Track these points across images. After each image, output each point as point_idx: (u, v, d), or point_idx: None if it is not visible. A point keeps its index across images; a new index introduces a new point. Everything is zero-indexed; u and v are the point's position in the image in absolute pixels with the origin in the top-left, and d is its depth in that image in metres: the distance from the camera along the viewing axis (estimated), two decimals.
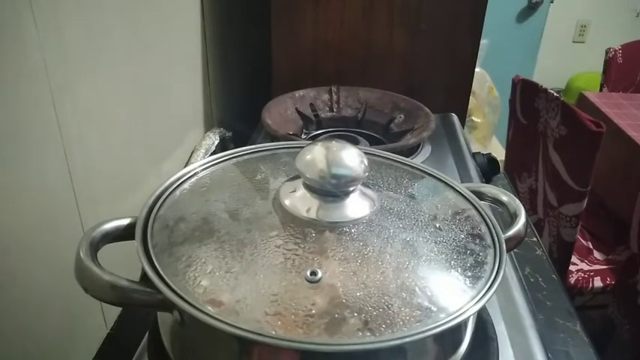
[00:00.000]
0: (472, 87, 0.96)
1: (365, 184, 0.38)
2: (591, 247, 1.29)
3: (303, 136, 0.77)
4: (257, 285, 0.30)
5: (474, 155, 0.76)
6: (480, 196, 0.42)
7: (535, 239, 0.73)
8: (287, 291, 0.29)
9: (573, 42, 2.94)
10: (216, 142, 0.82)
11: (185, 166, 0.47)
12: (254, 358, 0.31)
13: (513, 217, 0.39)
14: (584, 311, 1.20)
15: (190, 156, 0.78)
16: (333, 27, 0.88)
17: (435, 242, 0.35)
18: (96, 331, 0.54)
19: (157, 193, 0.37)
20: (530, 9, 2.17)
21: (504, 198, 0.42)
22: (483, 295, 0.31)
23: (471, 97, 0.99)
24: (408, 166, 0.45)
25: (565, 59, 2.89)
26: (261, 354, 0.30)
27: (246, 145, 0.45)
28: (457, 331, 0.34)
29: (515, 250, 0.40)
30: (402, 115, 0.78)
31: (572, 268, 1.20)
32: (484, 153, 0.79)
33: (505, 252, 0.35)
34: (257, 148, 0.45)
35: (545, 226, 1.21)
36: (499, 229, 0.37)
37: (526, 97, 1.26)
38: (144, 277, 0.30)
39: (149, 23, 0.63)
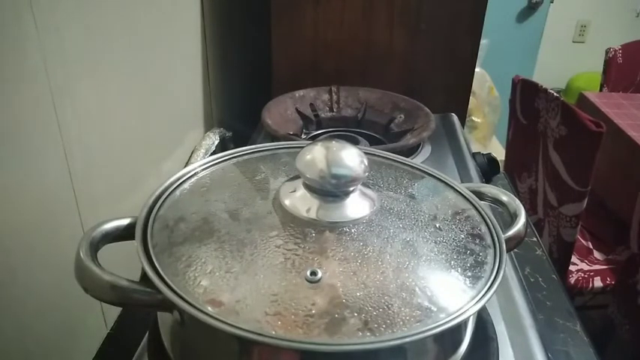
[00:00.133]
0: (472, 87, 0.96)
1: (365, 184, 0.38)
2: (591, 247, 1.29)
3: (303, 136, 0.77)
4: (257, 285, 0.30)
5: (474, 155, 0.76)
6: (480, 196, 0.42)
7: (535, 239, 0.73)
8: (287, 291, 0.29)
9: (573, 42, 2.95)
10: (216, 142, 0.82)
11: (185, 166, 0.47)
12: (254, 358, 0.31)
13: (513, 217, 0.39)
14: (584, 311, 1.20)
15: (190, 156, 0.78)
16: (333, 27, 0.88)
17: (435, 242, 0.35)
18: (96, 331, 0.54)
19: (157, 193, 0.37)
20: (530, 9, 2.17)
21: (504, 198, 0.42)
22: (483, 295, 0.31)
23: (471, 97, 0.99)
24: (408, 166, 0.45)
25: (565, 59, 2.89)
26: (261, 354, 0.30)
27: (246, 145, 0.45)
28: (457, 331, 0.34)
29: (515, 250, 0.40)
30: (402, 115, 0.78)
31: (572, 268, 1.20)
32: (484, 153, 0.79)
33: (505, 252, 0.35)
34: (257, 148, 0.45)
35: (545, 226, 1.21)
36: (499, 229, 0.37)
37: (526, 97, 1.26)
38: (144, 277, 0.30)
39: (149, 23, 0.63)
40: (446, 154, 0.74)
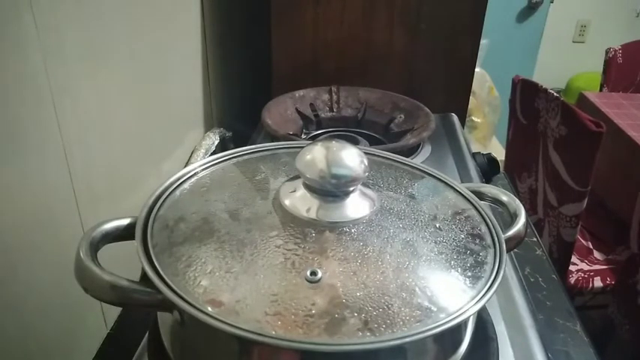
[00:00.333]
0: (472, 87, 0.96)
1: (365, 184, 0.38)
2: (591, 247, 1.29)
3: (303, 136, 0.77)
4: (257, 285, 0.30)
5: (474, 155, 0.76)
6: (480, 196, 0.42)
7: (535, 239, 0.73)
8: (287, 291, 0.29)
9: (573, 42, 2.95)
10: (216, 142, 0.82)
11: (185, 166, 0.47)
12: (254, 358, 0.31)
13: (513, 217, 0.39)
14: (584, 311, 1.20)
15: (190, 156, 0.78)
16: (333, 27, 0.88)
17: (435, 242, 0.35)
18: (96, 331, 0.54)
19: (157, 193, 0.37)
20: (530, 9, 2.17)
21: (504, 198, 0.42)
22: (483, 295, 0.31)
23: (471, 97, 0.99)
24: (408, 166, 0.45)
25: (565, 59, 2.89)
26: (261, 354, 0.30)
27: (246, 145, 0.45)
28: (457, 331, 0.34)
29: (515, 250, 0.40)
30: (402, 115, 0.78)
31: (572, 268, 1.20)
32: (484, 153, 0.79)
33: (505, 252, 0.35)
34: (257, 148, 0.45)
35: (545, 226, 1.21)
36: (499, 229, 0.37)
37: (526, 97, 1.26)
38: (144, 277, 0.30)
39: (149, 23, 0.63)
40: (446, 154, 0.74)
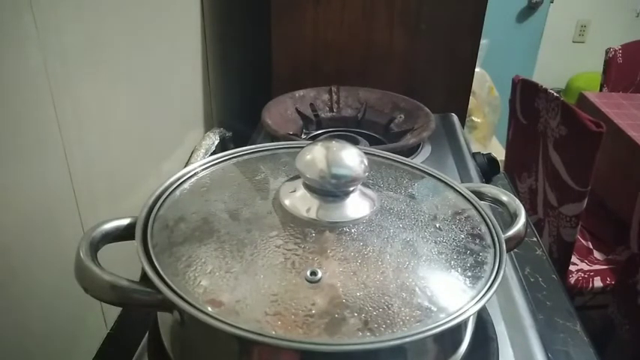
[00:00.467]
0: (472, 87, 0.96)
1: (365, 184, 0.38)
2: (591, 247, 1.29)
3: (303, 136, 0.77)
4: (257, 285, 0.30)
5: (474, 155, 0.76)
6: (480, 196, 0.42)
7: (535, 239, 0.73)
8: (287, 291, 0.29)
9: (573, 42, 2.95)
10: (216, 142, 0.82)
11: (185, 166, 0.47)
12: (254, 358, 0.31)
13: (513, 217, 0.39)
14: (584, 311, 1.20)
15: (190, 156, 0.78)
16: (333, 27, 0.88)
17: (435, 242, 0.35)
18: (96, 331, 0.54)
19: (157, 193, 0.37)
20: (530, 9, 2.17)
21: (504, 198, 0.42)
22: (483, 295, 0.31)
23: (471, 97, 0.99)
24: (408, 166, 0.45)
25: (565, 59, 2.89)
26: (261, 354, 0.30)
27: (246, 145, 0.45)
28: (457, 331, 0.34)
29: (515, 250, 0.40)
30: (402, 115, 0.78)
31: (572, 268, 1.20)
32: (484, 153, 0.79)
33: (505, 252, 0.35)
34: (257, 148, 0.45)
35: (545, 226, 1.21)
36: (499, 229, 0.37)
37: (526, 97, 1.26)
38: (144, 277, 0.30)
39: (149, 23, 0.63)
40: (446, 154, 0.74)
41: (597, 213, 1.31)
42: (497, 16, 1.73)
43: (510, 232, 0.38)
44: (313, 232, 0.34)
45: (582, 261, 1.24)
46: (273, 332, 0.27)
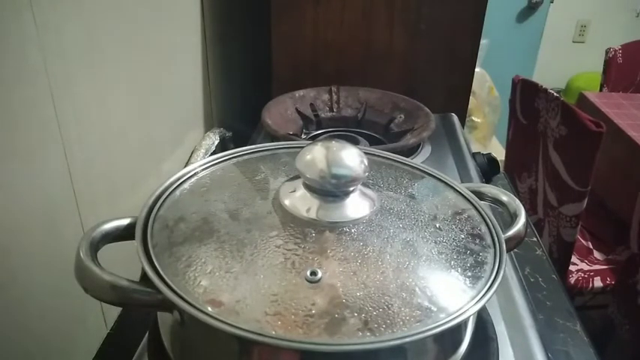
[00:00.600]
0: (472, 87, 0.96)
1: (365, 184, 0.38)
2: (591, 247, 1.29)
3: (303, 136, 0.77)
4: (257, 285, 0.30)
5: (474, 155, 0.76)
6: (480, 196, 0.42)
7: (535, 239, 0.73)
8: (287, 291, 0.29)
9: (573, 42, 2.95)
10: (216, 142, 0.82)
11: (185, 166, 0.47)
12: (254, 358, 0.31)
13: (513, 217, 0.39)
14: (584, 311, 1.20)
15: (190, 156, 0.78)
16: (333, 27, 0.88)
17: (435, 242, 0.35)
18: (96, 331, 0.54)
19: (157, 193, 0.37)
20: (530, 9, 2.17)
21: (504, 198, 0.42)
22: (483, 295, 0.31)
23: (471, 97, 0.99)
24: (408, 166, 0.45)
25: (565, 59, 2.89)
26: (261, 354, 0.30)
27: (246, 145, 0.45)
28: (457, 331, 0.34)
29: (515, 250, 0.40)
30: (402, 115, 0.78)
31: (572, 268, 1.20)
32: (484, 153, 0.79)
33: (505, 252, 0.35)
34: (257, 148, 0.45)
35: (545, 226, 1.21)
36: (499, 229, 0.37)
37: (526, 97, 1.26)
38: (144, 277, 0.30)
39: (149, 23, 0.63)
40: (446, 154, 0.74)
41: (597, 213, 1.31)
42: (497, 16, 1.73)
43: (510, 232, 0.38)
44: (313, 232, 0.34)
45: (582, 261, 1.24)
46: (273, 332, 0.27)
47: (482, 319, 0.40)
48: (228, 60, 0.97)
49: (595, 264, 1.23)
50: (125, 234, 0.34)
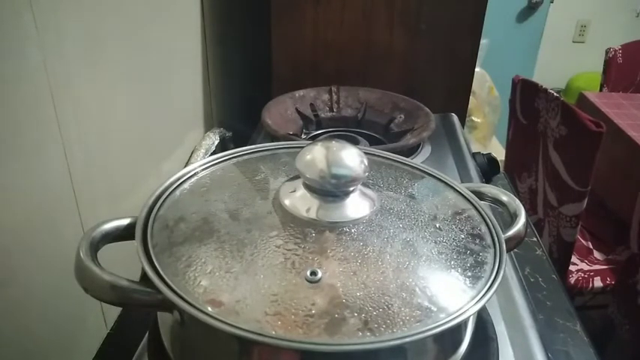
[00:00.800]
0: (472, 87, 0.96)
1: (365, 184, 0.38)
2: (591, 247, 1.29)
3: (303, 136, 0.77)
4: (257, 285, 0.30)
5: (474, 155, 0.76)
6: (480, 196, 0.42)
7: (535, 239, 0.73)
8: (287, 291, 0.29)
9: (573, 42, 2.95)
10: (216, 142, 0.82)
11: (185, 166, 0.47)
12: (254, 358, 0.31)
13: (513, 217, 0.39)
14: (584, 311, 1.20)
15: (190, 156, 0.78)
16: (333, 27, 0.88)
17: (435, 242, 0.35)
18: (96, 331, 0.54)
19: (157, 193, 0.37)
20: (530, 9, 2.17)
21: (504, 198, 0.42)
22: (483, 295, 0.31)
23: (471, 97, 0.99)
24: (408, 166, 0.45)
25: (565, 59, 2.89)
26: (261, 354, 0.30)
27: (246, 145, 0.45)
28: (457, 331, 0.34)
29: (515, 250, 0.40)
30: (402, 115, 0.78)
31: (572, 268, 1.20)
32: (484, 153, 0.79)
33: (505, 252, 0.35)
34: (257, 148, 0.45)
35: (545, 226, 1.21)
36: (499, 229, 0.37)
37: (526, 97, 1.26)
38: (144, 277, 0.30)
39: (149, 23, 0.63)
40: (446, 154, 0.74)
41: (597, 213, 1.31)
42: (497, 16, 1.73)
43: (510, 232, 0.38)
44: (313, 232, 0.34)
45: (582, 261, 1.24)
46: (273, 332, 0.27)
47: (483, 319, 0.40)
48: (228, 60, 0.97)
49: (595, 264, 1.23)
50: (125, 234, 0.34)
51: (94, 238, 0.32)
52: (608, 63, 1.71)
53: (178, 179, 0.39)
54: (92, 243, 0.32)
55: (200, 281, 0.30)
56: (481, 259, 0.34)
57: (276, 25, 0.89)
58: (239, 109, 1.04)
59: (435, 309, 0.30)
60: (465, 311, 0.30)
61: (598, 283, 1.18)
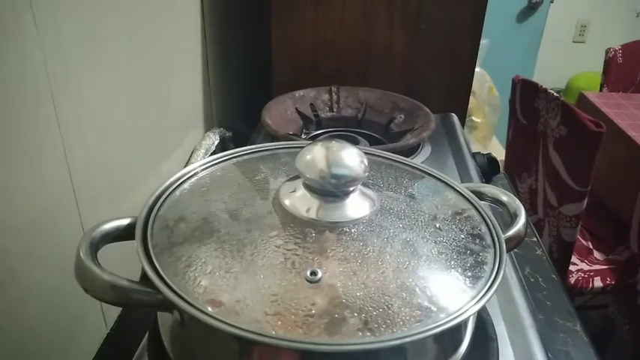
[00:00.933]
0: (472, 87, 0.96)
1: (365, 184, 0.38)
2: (591, 247, 1.29)
3: (303, 136, 0.77)
4: (257, 285, 0.30)
5: (474, 155, 0.76)
6: (480, 196, 0.42)
7: (535, 239, 0.73)
8: (287, 291, 0.29)
9: (573, 42, 2.95)
10: (216, 142, 0.82)
11: (185, 166, 0.47)
12: (254, 358, 0.31)
13: (513, 217, 0.39)
14: (584, 311, 1.20)
15: (190, 156, 0.78)
16: (333, 27, 0.88)
17: (435, 242, 0.35)
18: (96, 331, 0.54)
19: (157, 193, 0.37)
20: (530, 9, 2.17)
21: (504, 198, 0.42)
22: (483, 295, 0.31)
23: (471, 97, 0.99)
24: (408, 166, 0.45)
25: (565, 59, 2.89)
26: (261, 354, 0.30)
27: (246, 145, 0.45)
28: (457, 331, 0.34)
29: (515, 250, 0.40)
30: (402, 115, 0.78)
31: (572, 268, 1.20)
32: (484, 153, 0.79)
33: (505, 252, 0.35)
34: (257, 148, 0.45)
35: (545, 226, 1.21)
36: (499, 229, 0.37)
37: (526, 97, 1.26)
38: (144, 277, 0.30)
39: (149, 23, 0.63)
40: (446, 154, 0.74)
41: (597, 213, 1.31)
42: (497, 16, 1.73)
43: (510, 232, 0.38)
44: (313, 232, 0.34)
45: (582, 261, 1.24)
46: (273, 332, 0.27)
47: (483, 319, 0.40)
48: (228, 60, 0.97)
49: (595, 264, 1.23)
50: (125, 234, 0.34)
51: (94, 238, 0.32)
52: (608, 63, 1.71)
53: (178, 179, 0.39)
54: (92, 243, 0.32)
55: (200, 281, 0.30)
56: (481, 259, 0.34)
57: (276, 25, 0.89)
58: (239, 109, 1.04)
59: (435, 309, 0.30)
60: (465, 311, 0.30)
61: (598, 283, 1.18)
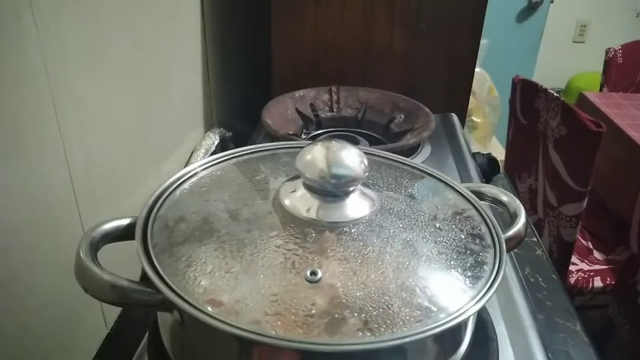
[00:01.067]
0: (472, 87, 0.96)
1: (365, 184, 0.38)
2: (591, 247, 1.29)
3: (303, 136, 0.77)
4: (257, 285, 0.30)
5: (474, 155, 0.76)
6: (480, 196, 0.42)
7: (535, 239, 0.73)
8: (287, 291, 0.29)
9: (573, 42, 2.95)
10: (216, 142, 0.82)
11: (185, 166, 0.47)
12: (254, 358, 0.31)
13: (513, 217, 0.39)
14: (584, 311, 1.20)
15: (190, 156, 0.78)
16: (333, 27, 0.88)
17: (435, 242, 0.35)
18: (96, 331, 0.54)
19: (157, 193, 0.37)
20: (530, 9, 2.17)
21: (504, 198, 0.42)
22: (483, 295, 0.31)
23: (471, 97, 0.99)
24: (408, 166, 0.45)
25: (565, 59, 2.89)
26: (261, 354, 0.30)
27: (246, 145, 0.45)
28: (457, 331, 0.34)
29: (515, 250, 0.40)
30: (402, 115, 0.78)
31: (572, 268, 1.20)
32: (484, 153, 0.79)
33: (505, 252, 0.35)
34: (257, 148, 0.45)
35: (545, 226, 1.21)
36: (499, 229, 0.37)
37: (526, 97, 1.26)
38: (144, 277, 0.30)
39: (149, 23, 0.63)
40: (446, 154, 0.74)
41: (597, 213, 1.31)
42: (497, 16, 1.73)
43: (510, 232, 0.38)
44: (313, 232, 0.34)
45: (582, 261, 1.24)
46: (273, 332, 0.27)
47: (483, 319, 0.40)
48: (228, 60, 0.97)
49: (595, 264, 1.23)
50: (125, 234, 0.34)
51: (94, 238, 0.32)
52: (608, 63, 1.71)
53: (178, 179, 0.39)
54: (92, 243, 0.32)
55: (200, 281, 0.30)
56: (481, 259, 0.34)
57: (276, 25, 0.89)
58: (239, 109, 1.04)
59: (435, 309, 0.30)
60: (465, 311, 0.30)
61: (598, 283, 1.18)
